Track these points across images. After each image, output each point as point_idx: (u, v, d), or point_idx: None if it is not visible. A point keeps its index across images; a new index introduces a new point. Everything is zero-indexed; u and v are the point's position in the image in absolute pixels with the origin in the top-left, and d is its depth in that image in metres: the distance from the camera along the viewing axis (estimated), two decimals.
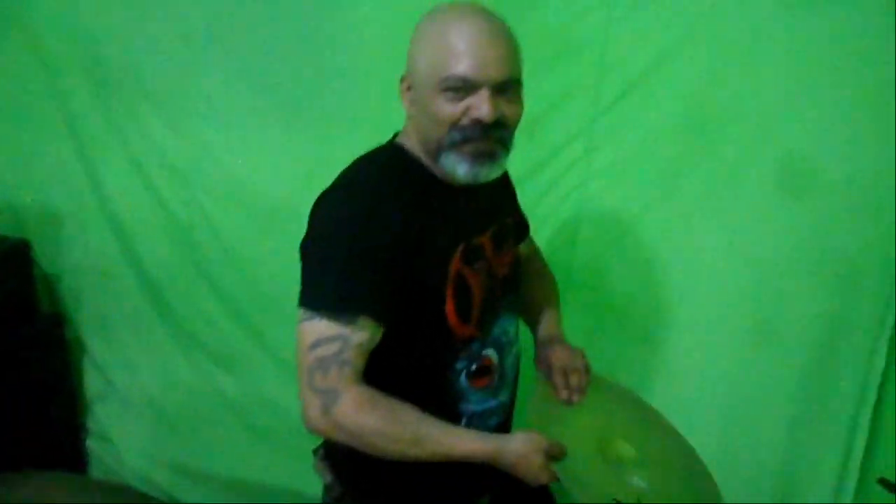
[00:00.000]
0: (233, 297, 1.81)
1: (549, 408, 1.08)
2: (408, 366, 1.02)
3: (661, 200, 1.57)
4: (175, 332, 1.88)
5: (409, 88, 1.00)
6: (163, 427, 1.96)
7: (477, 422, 1.06)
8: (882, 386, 1.54)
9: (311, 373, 0.92)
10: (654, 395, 1.64)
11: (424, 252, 0.97)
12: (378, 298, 0.94)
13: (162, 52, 1.68)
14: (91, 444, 2.04)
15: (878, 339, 1.51)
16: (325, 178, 1.01)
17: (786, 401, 1.60)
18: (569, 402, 1.09)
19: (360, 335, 0.92)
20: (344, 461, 1.09)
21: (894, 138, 1.39)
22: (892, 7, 1.32)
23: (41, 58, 1.75)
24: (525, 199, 1.29)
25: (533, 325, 1.23)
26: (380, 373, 0.97)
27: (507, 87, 0.95)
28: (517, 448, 0.94)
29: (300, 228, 0.98)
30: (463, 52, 0.91)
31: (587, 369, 1.13)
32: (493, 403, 1.08)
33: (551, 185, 1.60)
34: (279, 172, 1.70)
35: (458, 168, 0.96)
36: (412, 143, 1.03)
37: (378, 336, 0.95)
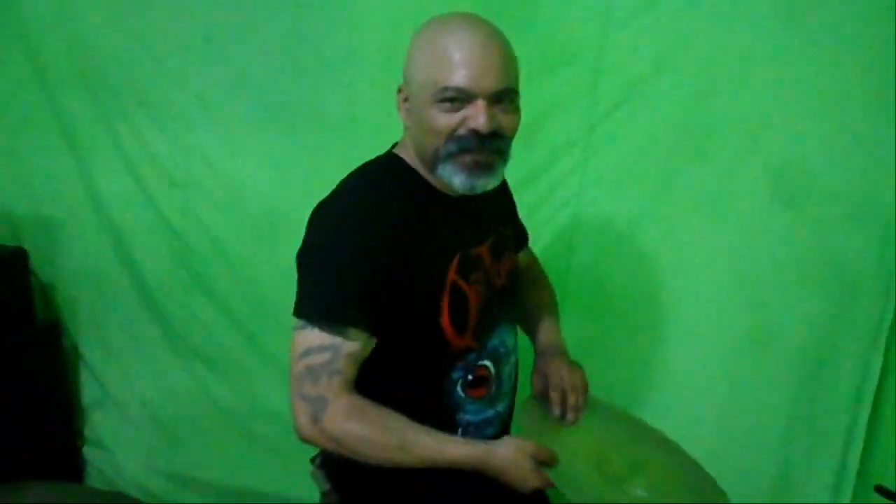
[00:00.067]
0: (229, 305, 1.81)
1: (541, 422, 1.06)
2: (404, 375, 1.02)
3: (658, 207, 1.57)
4: (171, 339, 1.88)
5: (406, 100, 1.00)
6: (159, 434, 1.95)
7: (473, 432, 1.06)
8: (878, 390, 1.54)
9: (301, 381, 0.93)
10: (651, 400, 1.65)
11: (419, 263, 0.97)
12: (370, 310, 0.94)
13: (158, 59, 1.68)
14: (87, 451, 2.03)
15: (874, 343, 1.52)
16: (322, 186, 1.01)
17: (782, 405, 1.60)
18: (561, 420, 1.07)
19: (351, 346, 0.93)
20: (341, 469, 1.09)
21: (892, 145, 1.41)
22: (888, 15, 1.33)
23: (37, 66, 1.74)
24: (522, 205, 1.30)
25: (532, 334, 1.23)
26: (376, 382, 0.98)
27: (504, 97, 0.95)
28: (505, 453, 0.94)
29: (296, 236, 0.98)
30: (459, 62, 0.92)
31: (585, 388, 1.12)
32: (490, 413, 1.08)
33: (548, 191, 1.61)
34: (276, 180, 1.70)
35: (455, 179, 0.96)
36: (410, 154, 1.03)
37: (370, 346, 0.96)
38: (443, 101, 0.93)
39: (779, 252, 1.53)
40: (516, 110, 0.98)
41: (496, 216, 1.14)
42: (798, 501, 1.63)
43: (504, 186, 1.21)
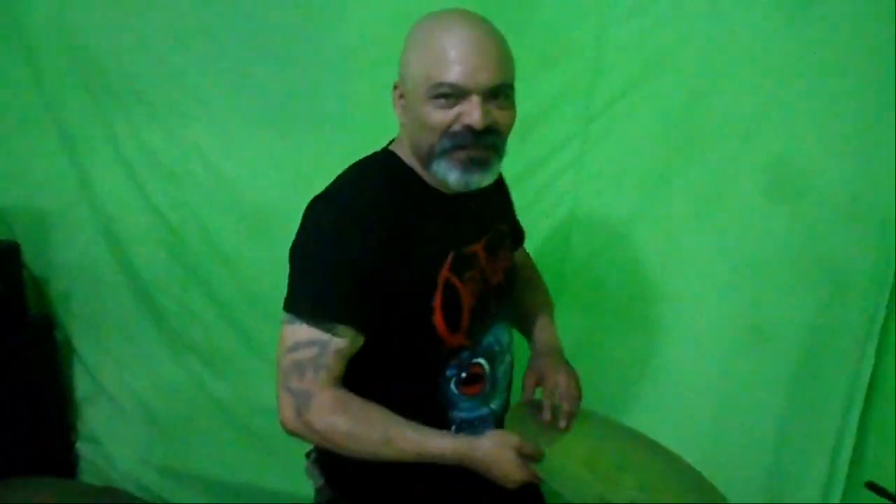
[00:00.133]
0: (223, 299, 1.80)
1: (531, 426, 1.03)
2: (398, 372, 1.02)
3: (654, 203, 1.58)
4: (165, 334, 1.88)
5: (401, 96, 1.00)
6: (153, 429, 1.95)
7: (467, 429, 1.05)
8: (870, 388, 1.55)
9: (287, 374, 0.94)
10: (645, 398, 1.66)
11: (412, 261, 0.97)
12: (358, 307, 0.94)
13: (153, 55, 1.67)
14: (81, 446, 2.02)
15: (867, 341, 1.53)
16: (317, 182, 1.01)
17: (776, 402, 1.61)
18: (550, 424, 1.05)
19: (338, 342, 0.94)
20: (335, 464, 1.09)
21: (887, 144, 1.41)
22: (887, 15, 1.33)
23: (31, 60, 1.74)
24: (518, 201, 1.29)
25: (528, 333, 1.22)
26: (370, 378, 0.98)
27: (499, 93, 0.94)
28: (488, 447, 0.94)
29: (290, 231, 0.98)
30: (453, 58, 0.91)
31: (579, 396, 1.11)
32: (484, 411, 1.08)
33: (545, 187, 1.61)
34: (270, 175, 1.70)
35: (450, 175, 0.96)
36: (405, 151, 1.03)
37: (358, 343, 0.96)
38: (437, 97, 0.92)
39: (774, 250, 1.53)
40: (511, 106, 0.98)
41: (492, 213, 1.14)
42: (790, 498, 1.63)
43: (501, 183, 1.20)
